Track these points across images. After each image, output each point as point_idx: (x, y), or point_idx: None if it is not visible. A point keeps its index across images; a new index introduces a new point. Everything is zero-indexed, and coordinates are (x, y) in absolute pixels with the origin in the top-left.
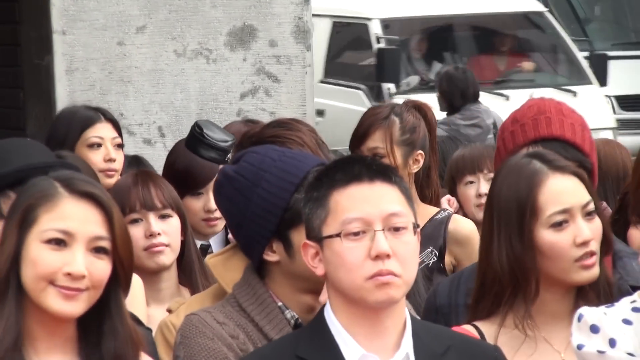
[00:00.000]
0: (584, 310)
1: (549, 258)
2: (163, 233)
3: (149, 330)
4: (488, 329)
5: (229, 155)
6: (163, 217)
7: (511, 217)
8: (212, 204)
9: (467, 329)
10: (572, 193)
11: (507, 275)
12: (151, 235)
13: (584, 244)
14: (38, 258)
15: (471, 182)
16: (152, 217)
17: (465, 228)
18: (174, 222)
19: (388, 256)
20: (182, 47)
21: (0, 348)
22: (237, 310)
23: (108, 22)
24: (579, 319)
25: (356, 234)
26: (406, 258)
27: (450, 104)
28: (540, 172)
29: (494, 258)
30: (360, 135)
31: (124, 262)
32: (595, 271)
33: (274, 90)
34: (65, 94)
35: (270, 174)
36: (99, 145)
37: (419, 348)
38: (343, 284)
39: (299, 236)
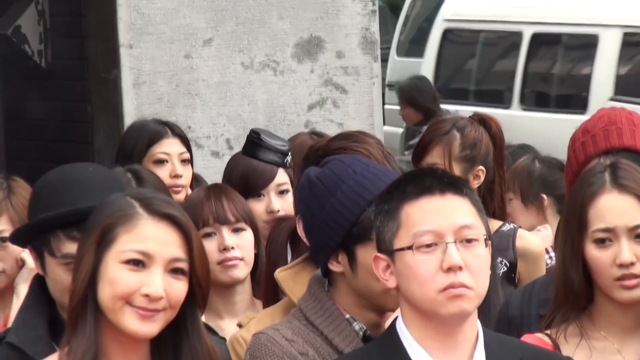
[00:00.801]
0: None
1: (594, 272)
2: (237, 247)
3: (223, 339)
4: (570, 340)
5: (288, 159)
6: (236, 230)
7: (568, 227)
8: (275, 205)
9: (541, 337)
10: (621, 213)
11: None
12: (225, 249)
13: (623, 265)
14: (116, 278)
15: None
16: (226, 231)
17: (533, 245)
18: (248, 235)
19: (460, 268)
20: (249, 59)
21: None
22: (305, 324)
23: (175, 35)
24: None
25: (428, 246)
26: (478, 270)
27: (426, 112)
28: (599, 186)
29: (559, 267)
30: (420, 150)
31: (201, 281)
32: (636, 293)
33: (342, 102)
34: (133, 108)
35: (348, 186)
36: (166, 161)
37: (493, 357)
38: (415, 296)
39: (364, 252)
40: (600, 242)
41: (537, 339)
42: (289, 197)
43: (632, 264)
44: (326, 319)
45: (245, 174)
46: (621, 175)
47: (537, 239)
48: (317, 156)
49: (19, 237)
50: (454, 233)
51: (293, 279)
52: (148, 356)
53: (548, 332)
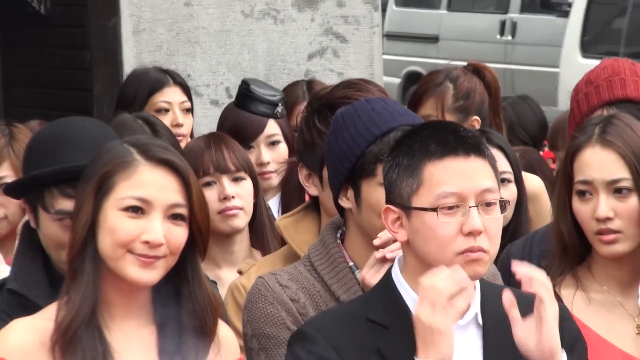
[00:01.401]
0: None
1: (580, 225)
2: (237, 196)
3: (214, 283)
4: (565, 291)
5: (278, 109)
6: (236, 179)
7: (558, 179)
8: (265, 157)
9: None
10: (600, 167)
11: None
12: (225, 198)
13: (600, 220)
14: (116, 226)
15: None
16: (226, 180)
17: (533, 185)
18: (247, 185)
19: (479, 233)
20: (249, 7)
21: (79, 316)
22: (309, 270)
23: None
24: None
25: (450, 208)
26: (495, 234)
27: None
28: (585, 139)
29: (553, 219)
30: (413, 102)
31: (201, 227)
32: (614, 248)
33: (342, 51)
34: (132, 55)
35: (361, 120)
36: (167, 110)
37: (486, 309)
38: (431, 255)
39: (367, 188)
40: (581, 195)
41: None
42: (280, 147)
43: (608, 218)
44: (329, 266)
45: (235, 126)
46: (609, 130)
47: (536, 179)
48: (319, 105)
49: (13, 190)
50: (476, 196)
51: (295, 227)
52: (149, 303)
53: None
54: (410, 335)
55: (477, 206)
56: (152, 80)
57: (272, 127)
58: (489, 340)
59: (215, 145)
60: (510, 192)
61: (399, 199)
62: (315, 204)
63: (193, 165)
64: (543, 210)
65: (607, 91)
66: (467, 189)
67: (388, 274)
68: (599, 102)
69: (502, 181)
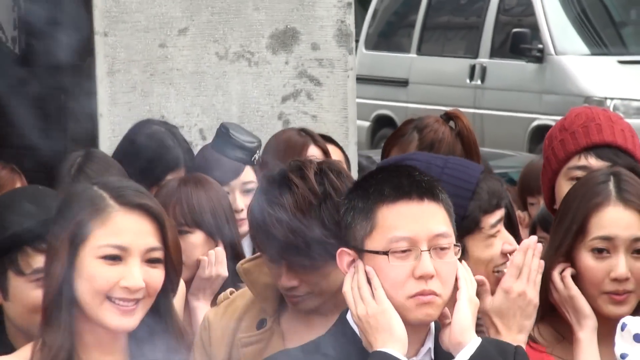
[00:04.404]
0: (628, 319)
1: (585, 282)
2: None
3: None
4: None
5: (255, 156)
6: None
7: (559, 231)
8: (239, 204)
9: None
10: (624, 226)
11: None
12: None
13: (618, 280)
14: (95, 274)
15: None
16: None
17: None
18: (192, 239)
19: (431, 277)
20: (224, 49)
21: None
22: None
23: (150, 24)
24: (622, 328)
25: (403, 251)
26: (448, 278)
27: None
28: (604, 197)
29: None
30: (384, 152)
31: (176, 267)
32: (622, 309)
33: (316, 94)
34: (107, 96)
35: (444, 182)
36: None
37: (439, 346)
38: None
39: (472, 243)
40: (598, 252)
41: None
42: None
43: (626, 279)
44: None
45: (210, 168)
46: (625, 188)
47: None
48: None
49: None
50: (429, 241)
51: (259, 270)
52: (125, 344)
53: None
54: None
55: (429, 250)
56: (173, 158)
57: (248, 174)
58: None
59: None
60: None
61: (354, 242)
62: None
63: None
64: None
65: (584, 137)
66: (420, 234)
67: (342, 316)
68: (576, 148)
69: None
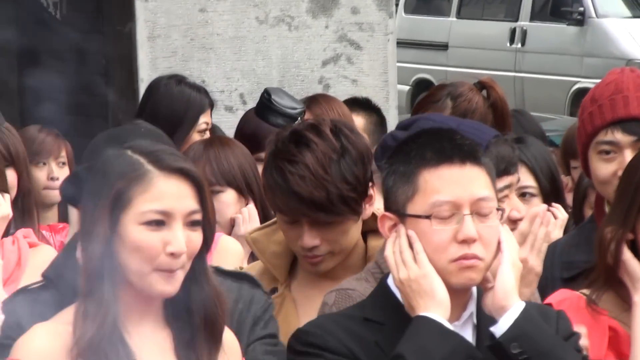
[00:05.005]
0: None
1: None
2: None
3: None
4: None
5: (297, 123)
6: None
7: (624, 200)
8: None
9: (579, 294)
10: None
11: None
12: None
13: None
14: (141, 241)
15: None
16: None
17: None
18: (223, 197)
19: (474, 240)
20: (264, 14)
21: (101, 331)
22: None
23: None
24: None
25: (445, 216)
26: (490, 242)
27: None
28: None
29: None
30: (414, 113)
31: (212, 229)
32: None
33: (356, 58)
34: (147, 61)
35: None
36: (205, 131)
37: (481, 309)
38: None
39: None
40: None
41: (576, 295)
42: None
43: None
44: None
45: (252, 135)
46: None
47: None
48: (270, 149)
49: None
50: (471, 205)
51: (267, 239)
52: (161, 306)
53: (585, 291)
54: (404, 331)
55: (471, 214)
56: (200, 102)
57: None
58: (482, 339)
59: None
60: (533, 206)
61: (395, 206)
62: None
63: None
64: None
65: (611, 111)
66: (462, 198)
67: (383, 280)
68: (602, 123)
69: (524, 195)
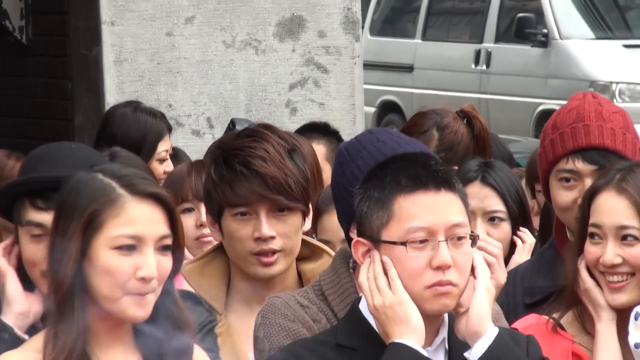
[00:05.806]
0: None
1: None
2: None
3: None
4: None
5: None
6: None
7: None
8: None
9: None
10: (611, 213)
11: None
12: (202, 225)
13: (605, 265)
14: (112, 266)
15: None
16: (204, 208)
17: None
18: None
19: (449, 267)
20: (231, 37)
21: (71, 355)
22: (320, 298)
23: (157, 13)
24: (636, 317)
25: (420, 242)
26: (464, 268)
27: None
28: (603, 184)
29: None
30: None
31: (182, 253)
32: (621, 298)
33: (323, 81)
34: (114, 85)
35: (367, 151)
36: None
37: (453, 335)
38: None
39: None
40: (591, 237)
41: (544, 320)
42: None
43: (612, 265)
44: (339, 296)
45: None
46: (628, 178)
47: None
48: (215, 155)
49: None
50: (446, 231)
51: (201, 271)
52: (131, 330)
53: (554, 315)
54: (378, 356)
55: (446, 240)
56: (157, 129)
57: None
58: None
59: (196, 173)
60: (502, 231)
61: (369, 232)
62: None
63: (174, 191)
64: None
65: (572, 140)
66: (437, 224)
67: (355, 305)
68: (563, 151)
69: (492, 220)
